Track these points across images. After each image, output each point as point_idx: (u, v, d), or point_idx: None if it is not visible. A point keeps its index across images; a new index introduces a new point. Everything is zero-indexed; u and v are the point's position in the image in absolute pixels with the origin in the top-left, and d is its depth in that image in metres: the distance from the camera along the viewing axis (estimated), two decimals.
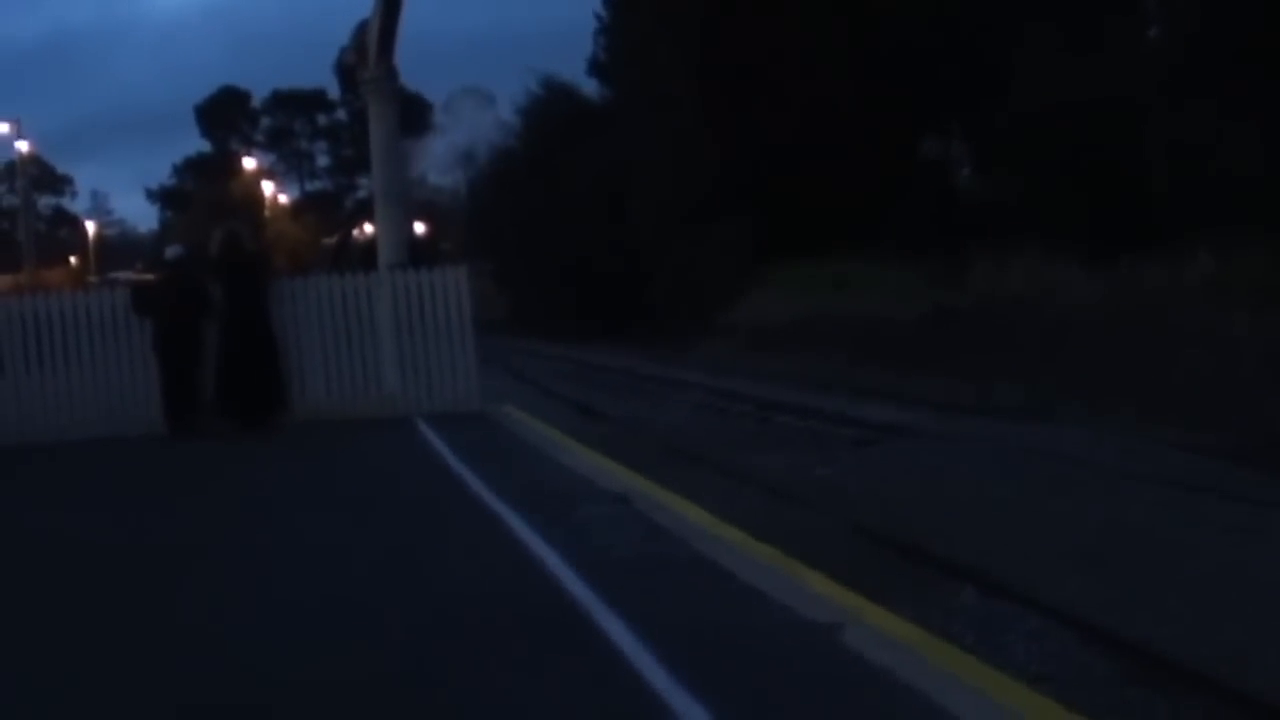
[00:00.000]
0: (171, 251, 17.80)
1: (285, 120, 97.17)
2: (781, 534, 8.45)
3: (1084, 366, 18.17)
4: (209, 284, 15.69)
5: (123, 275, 54.82)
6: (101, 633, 6.72)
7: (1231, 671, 6.92)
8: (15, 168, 73.88)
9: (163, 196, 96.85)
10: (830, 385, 21.99)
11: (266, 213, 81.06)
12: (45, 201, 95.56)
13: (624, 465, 11.32)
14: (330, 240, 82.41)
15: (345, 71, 68.98)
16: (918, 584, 9.03)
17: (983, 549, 9.81)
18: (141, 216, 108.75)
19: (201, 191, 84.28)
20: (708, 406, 21.84)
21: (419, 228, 73.10)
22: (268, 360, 15.64)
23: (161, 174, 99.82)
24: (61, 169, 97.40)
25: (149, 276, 25.12)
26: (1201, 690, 6.78)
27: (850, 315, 26.88)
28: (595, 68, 51.85)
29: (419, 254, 55.78)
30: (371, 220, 39.61)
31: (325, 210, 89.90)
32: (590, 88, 52.27)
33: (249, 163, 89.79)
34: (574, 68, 55.63)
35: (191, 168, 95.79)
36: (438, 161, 69.91)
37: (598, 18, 50.01)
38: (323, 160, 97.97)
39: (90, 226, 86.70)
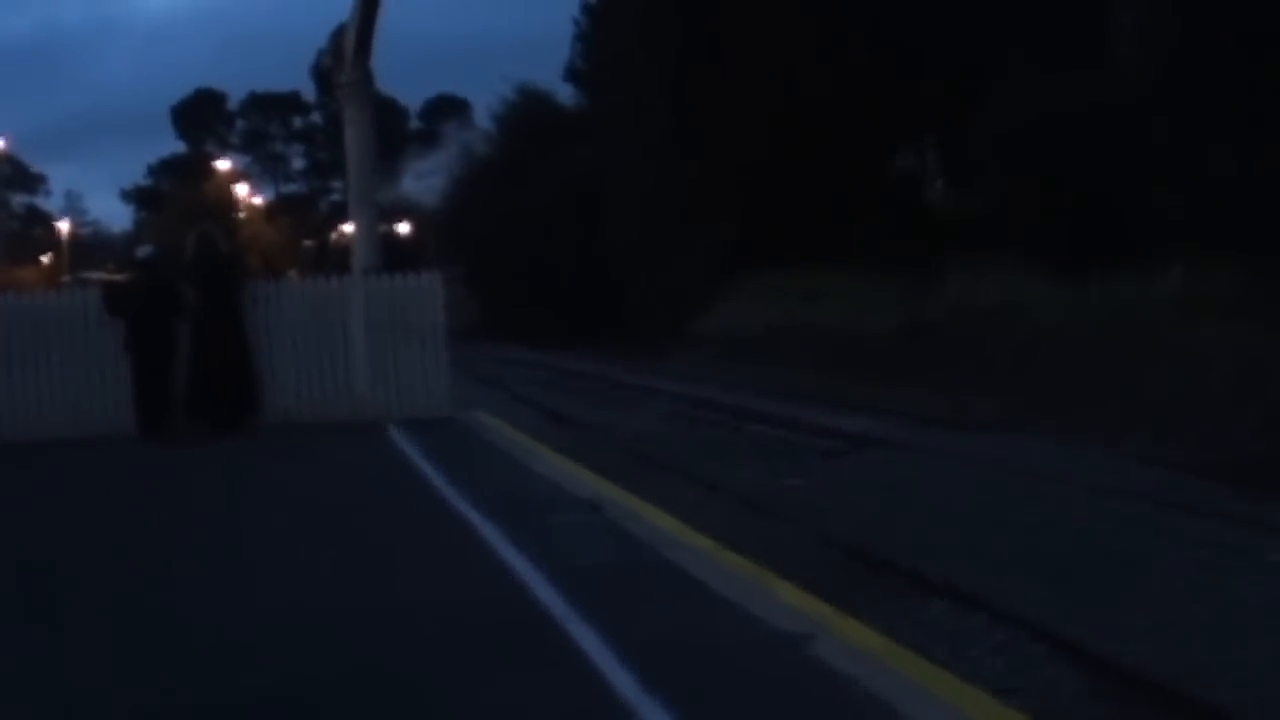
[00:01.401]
0: (143, 251, 17.76)
1: (261, 123, 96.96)
2: (752, 543, 8.46)
3: (1055, 381, 18.23)
4: (181, 285, 15.64)
5: (94, 275, 54.59)
6: (61, 635, 6.67)
7: (1199, 686, 6.94)
8: None
9: (137, 197, 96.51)
10: (803, 396, 22.00)
11: (241, 215, 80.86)
12: (19, 200, 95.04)
13: (595, 472, 11.31)
14: (310, 243, 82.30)
15: (322, 75, 68.96)
16: (887, 595, 9.03)
17: (952, 561, 9.83)
18: (115, 217, 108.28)
19: (175, 193, 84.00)
20: (679, 415, 21.84)
21: (403, 228, 73.13)
22: (240, 363, 15.60)
23: (136, 175, 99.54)
24: (36, 168, 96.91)
25: (120, 277, 25.02)
26: (1169, 705, 6.79)
27: (823, 326, 26.93)
28: (572, 75, 51.95)
29: (400, 255, 55.80)
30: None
31: (300, 213, 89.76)
32: (566, 94, 52.37)
33: (223, 164, 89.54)
34: (551, 74, 55.66)
35: (166, 169, 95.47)
36: (421, 173, 69.92)
37: (576, 25, 50.13)
38: (298, 163, 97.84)
39: (64, 226, 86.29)
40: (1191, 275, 19.08)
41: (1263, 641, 7.73)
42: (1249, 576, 9.19)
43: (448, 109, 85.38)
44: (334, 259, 55.12)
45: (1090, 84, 23.47)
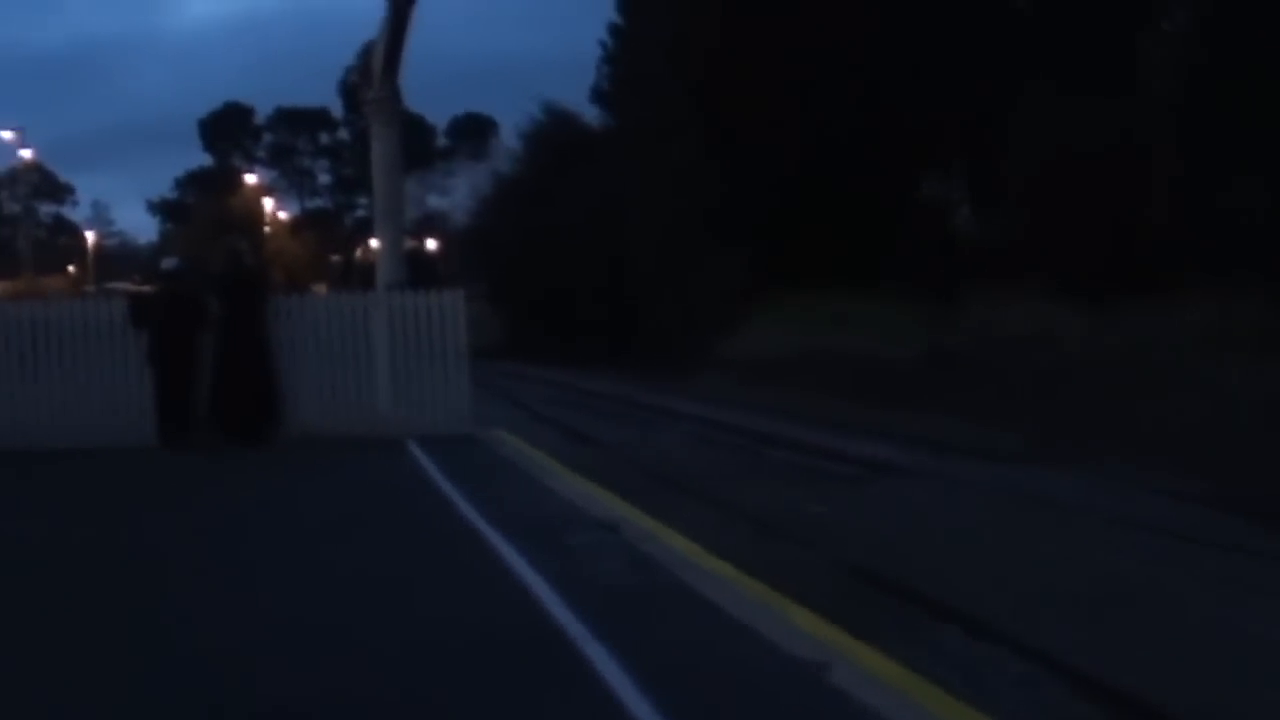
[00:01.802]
0: (168, 263, 17.82)
1: (288, 137, 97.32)
2: (770, 568, 8.40)
3: (1078, 411, 18.13)
4: (206, 297, 15.69)
5: (119, 286, 54.83)
6: (81, 645, 6.66)
7: None
8: (17, 176, 73.87)
9: (163, 209, 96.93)
10: (825, 421, 21.92)
11: (266, 229, 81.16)
12: (46, 209, 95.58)
13: (614, 493, 11.27)
14: (338, 258, 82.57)
15: (350, 91, 69.21)
16: (906, 624, 8.96)
17: (973, 591, 9.74)
18: (141, 228, 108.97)
19: (202, 205, 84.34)
20: (701, 437, 21.77)
21: (431, 244, 73.34)
22: (263, 376, 15.62)
23: (163, 187, 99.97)
24: (64, 177, 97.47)
25: (146, 288, 25.09)
26: None
27: (848, 352, 26.84)
28: (598, 95, 52.01)
29: (427, 271, 55.88)
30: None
31: (325, 228, 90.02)
32: (593, 115, 52.44)
33: (250, 178, 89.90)
34: (578, 95, 55.82)
35: (193, 181, 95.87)
36: (446, 190, 70.21)
37: (603, 46, 50.19)
38: (324, 178, 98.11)
39: (90, 236, 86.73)
40: (1220, 306, 18.97)
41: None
42: (1273, 614, 9.10)
43: (474, 128, 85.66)
44: (359, 275, 55.28)
45: (1118, 113, 23.39)
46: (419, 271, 56.83)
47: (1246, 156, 20.45)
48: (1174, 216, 21.82)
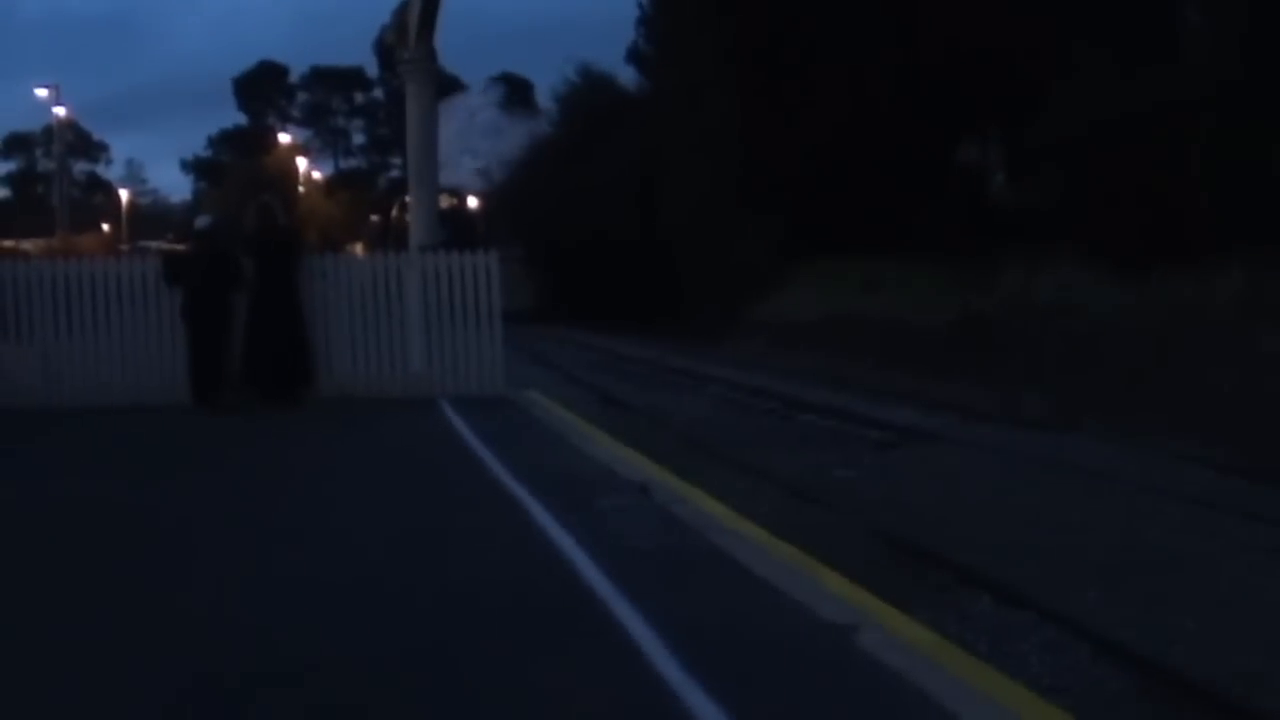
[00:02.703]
0: (201, 221, 17.90)
1: (323, 97, 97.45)
2: (800, 532, 8.46)
3: (1110, 379, 18.10)
4: (239, 256, 15.75)
5: (153, 245, 55.09)
6: (113, 602, 6.75)
7: (1244, 692, 6.90)
8: (53, 133, 74.17)
9: (197, 168, 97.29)
10: (855, 386, 21.96)
11: (300, 188, 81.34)
12: (80, 168, 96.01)
13: (645, 456, 11.33)
14: (376, 218, 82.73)
15: (385, 51, 69.19)
16: (934, 589, 9.03)
17: (1001, 558, 9.79)
18: (175, 187, 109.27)
19: (236, 164, 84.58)
20: (731, 401, 21.84)
21: (473, 201, 73.41)
22: (296, 335, 15.71)
23: (197, 146, 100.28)
24: (99, 136, 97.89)
25: (180, 247, 25.20)
26: (1214, 709, 6.76)
27: (879, 316, 26.82)
28: (634, 56, 51.90)
29: (464, 228, 55.78)
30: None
31: (359, 188, 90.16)
32: (628, 76, 52.36)
33: (284, 138, 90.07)
34: (614, 55, 55.63)
35: (227, 140, 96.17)
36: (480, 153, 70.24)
37: (639, 6, 50.05)
38: (358, 138, 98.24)
39: (124, 194, 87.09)
40: (1253, 277, 18.86)
41: None
42: None
43: (510, 89, 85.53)
44: (396, 234, 55.37)
45: (1156, 80, 23.22)
46: (459, 230, 56.98)
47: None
48: (1210, 185, 21.66)
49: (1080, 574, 9.44)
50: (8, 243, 58.87)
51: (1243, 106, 20.90)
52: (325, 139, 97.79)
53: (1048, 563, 9.78)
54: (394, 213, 77.37)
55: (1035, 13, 28.60)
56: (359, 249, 61.17)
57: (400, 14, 27.01)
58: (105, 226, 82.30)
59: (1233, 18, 21.96)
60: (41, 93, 67.90)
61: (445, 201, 70.90)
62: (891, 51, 31.37)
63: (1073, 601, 8.60)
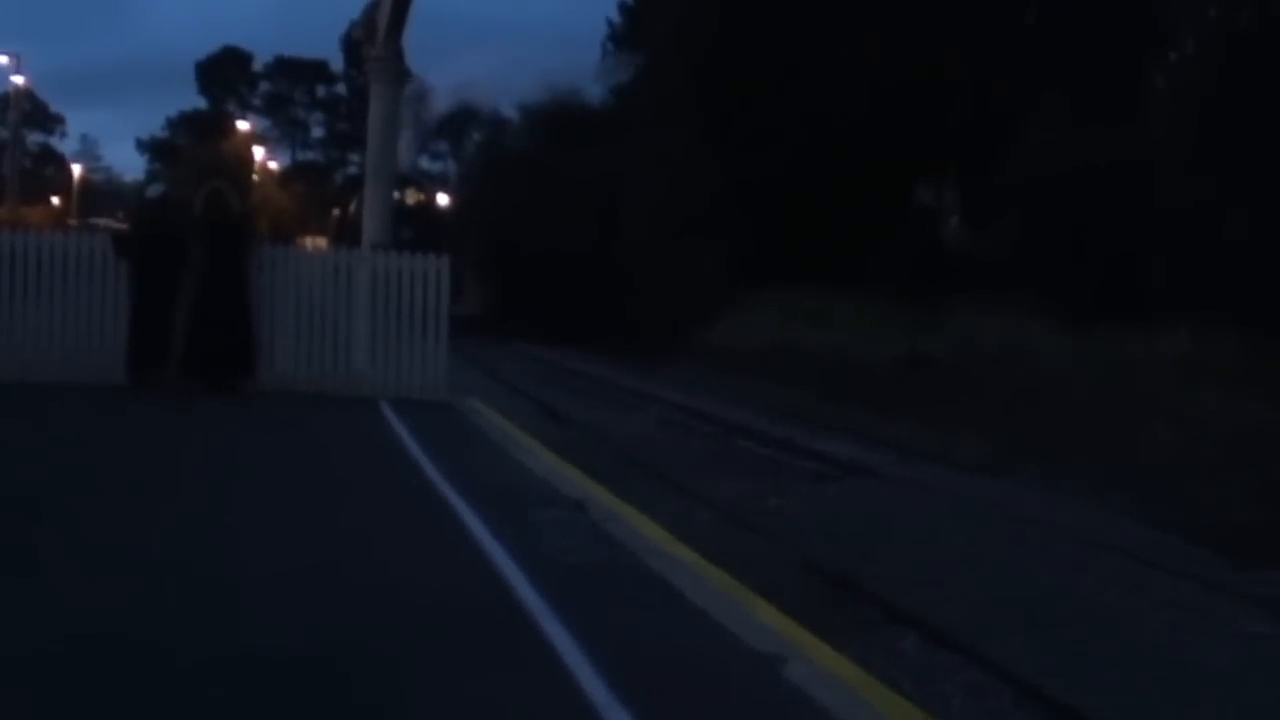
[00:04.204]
0: (153, 190, 17.72)
1: (285, 87, 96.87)
2: (733, 559, 8.43)
3: (1051, 428, 18.20)
4: (188, 238, 15.56)
5: (103, 222, 54.58)
6: (19, 586, 6.63)
7: None
8: (9, 101, 73.34)
9: (152, 148, 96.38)
10: (799, 417, 21.98)
11: (255, 177, 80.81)
12: (34, 139, 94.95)
13: (583, 472, 11.29)
14: (338, 211, 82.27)
15: (352, 47, 68.90)
16: (862, 624, 9.02)
17: (930, 597, 9.81)
18: (129, 166, 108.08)
19: (192, 147, 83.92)
20: (674, 423, 21.82)
21: (442, 199, 73.03)
22: (241, 324, 15.56)
23: (154, 126, 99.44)
24: (55, 108, 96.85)
25: (129, 226, 24.93)
26: None
27: (826, 349, 26.91)
28: (602, 74, 51.95)
29: (428, 226, 55.38)
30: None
31: (314, 182, 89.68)
32: (595, 92, 52.39)
33: (243, 125, 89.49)
34: (583, 70, 55.69)
35: (185, 123, 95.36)
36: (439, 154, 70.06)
37: (610, 24, 50.14)
38: (317, 132, 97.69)
39: (76, 169, 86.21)
40: (1198, 338, 19.08)
41: (1224, 710, 7.74)
42: (1221, 644, 9.18)
43: (475, 93, 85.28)
44: (350, 231, 55.09)
45: (1116, 138, 23.47)
46: (424, 228, 56.69)
47: (1239, 191, 20.54)
48: (1164, 247, 21.90)
49: (1008, 619, 9.47)
50: None
51: (1199, 172, 21.16)
52: (284, 130, 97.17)
53: (977, 605, 9.80)
54: (351, 208, 77.02)
55: (1001, 62, 28.89)
56: (312, 242, 60.77)
57: (370, 11, 26.86)
58: (56, 200, 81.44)
59: (1196, 86, 22.23)
60: (1, 59, 67.17)
61: (412, 198, 70.67)
62: (855, 88, 31.57)
63: (999, 646, 8.62)
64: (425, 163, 74.54)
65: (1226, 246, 20.19)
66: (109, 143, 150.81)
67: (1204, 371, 18.03)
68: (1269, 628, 9.72)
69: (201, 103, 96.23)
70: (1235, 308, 19.25)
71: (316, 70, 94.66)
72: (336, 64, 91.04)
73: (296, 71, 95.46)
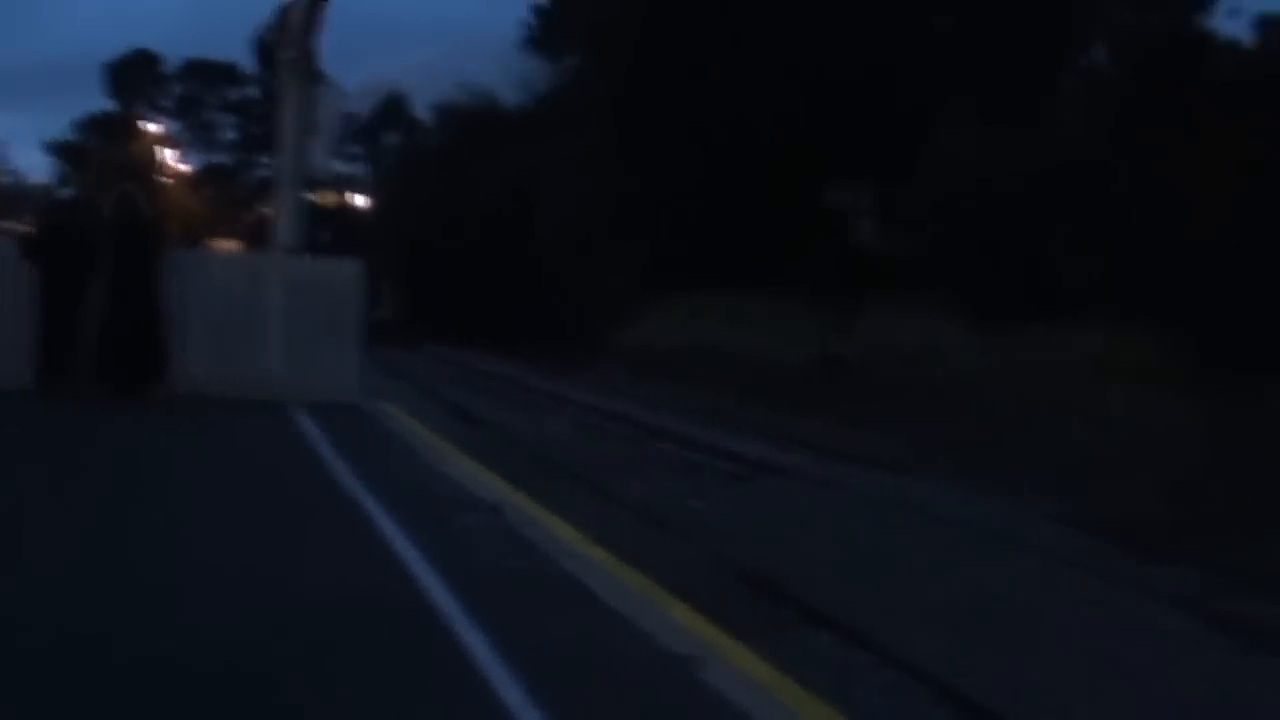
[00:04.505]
0: (63, 192, 17.45)
1: (195, 90, 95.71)
2: (648, 561, 8.42)
3: (964, 427, 18.39)
4: (98, 242, 15.33)
5: (10, 225, 53.65)
6: None
7: None
8: None
9: (60, 151, 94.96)
10: (713, 417, 22.06)
11: (165, 180, 79.85)
12: None
13: (498, 475, 11.24)
14: (253, 215, 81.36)
15: (263, 48, 68.34)
16: (778, 624, 9.05)
17: (845, 597, 9.86)
18: (36, 169, 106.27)
19: (100, 150, 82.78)
20: (589, 425, 21.82)
21: (360, 200, 72.41)
22: (151, 329, 15.34)
23: (61, 129, 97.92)
24: None
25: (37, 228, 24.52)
26: None
27: (740, 351, 27.03)
28: (518, 76, 51.78)
29: (346, 229, 54.84)
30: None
31: (225, 185, 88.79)
32: (511, 95, 52.23)
33: (152, 128, 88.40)
34: (499, 72, 55.48)
35: (93, 125, 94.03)
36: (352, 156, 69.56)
37: (527, 27, 50.02)
38: (228, 134, 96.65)
39: None
40: (1110, 338, 19.35)
41: (1134, 703, 7.84)
42: (1130, 639, 9.30)
43: (388, 95, 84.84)
44: (261, 233, 54.50)
45: (1029, 141, 23.73)
46: (338, 230, 56.22)
47: (1146, 196, 20.84)
48: (1076, 250, 22.17)
49: (922, 617, 9.54)
50: None
51: (1108, 179, 21.45)
52: (195, 132, 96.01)
53: (891, 604, 9.87)
54: (266, 211, 76.26)
55: (914, 63, 29.14)
56: (223, 246, 60.09)
57: (283, 13, 26.63)
58: None
59: (1108, 96, 22.54)
60: None
61: (328, 201, 70.02)
62: (770, 91, 31.71)
63: (913, 644, 8.68)
64: (340, 165, 73.97)
65: (1139, 246, 20.48)
66: (15, 145, 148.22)
67: (1116, 370, 18.30)
68: (1177, 623, 9.87)
69: (110, 105, 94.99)
70: (1147, 307, 19.54)
71: (227, 72, 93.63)
72: (247, 66, 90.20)
73: (207, 74, 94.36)
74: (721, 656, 5.97)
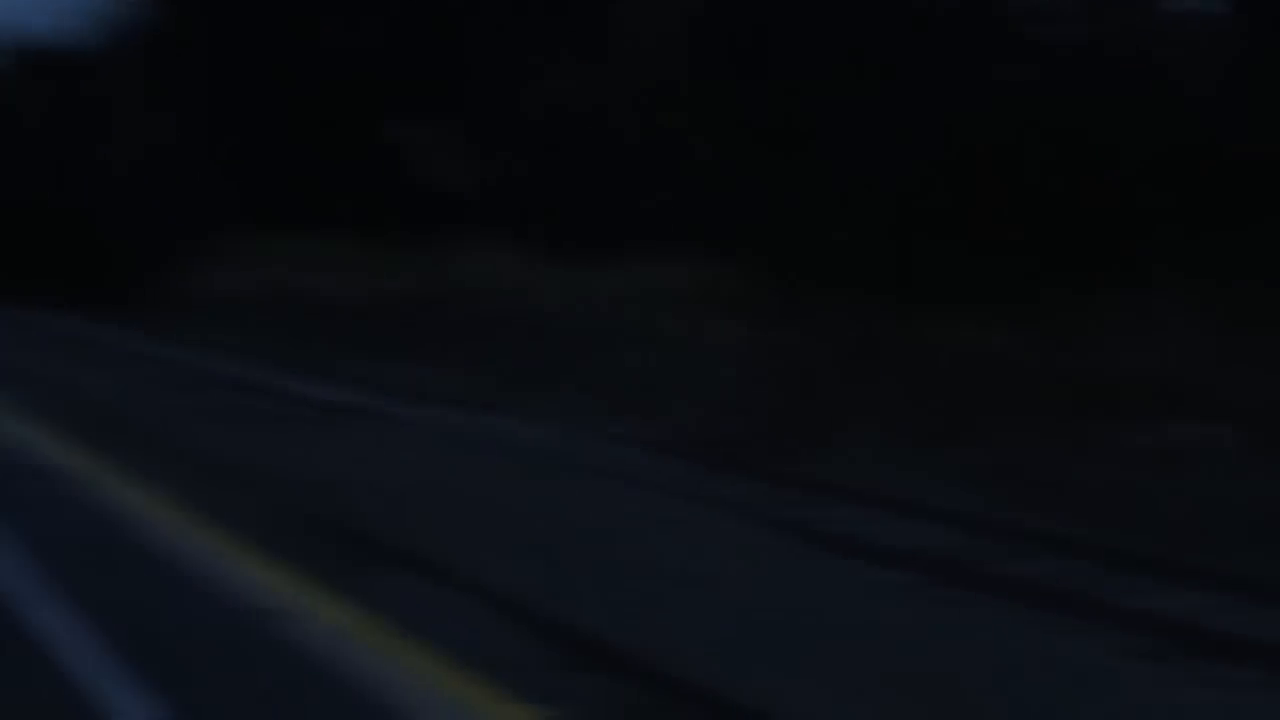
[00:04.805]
0: None
1: None
2: (221, 515, 8.16)
3: (541, 361, 18.63)
4: None
5: None
6: None
7: (659, 655, 7.18)
8: None
9: None
10: (281, 361, 21.62)
11: None
12: None
13: (55, 437, 10.66)
14: None
15: None
16: (360, 569, 8.91)
17: (426, 535, 9.82)
18: None
19: None
20: (153, 378, 21.00)
21: None
22: None
23: None
24: None
25: None
26: (633, 672, 7.00)
27: (306, 293, 26.62)
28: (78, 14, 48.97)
29: None
30: None
31: None
32: (70, 32, 49.28)
33: None
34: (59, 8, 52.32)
35: None
36: None
37: None
38: None
39: None
40: (693, 271, 19.90)
41: (696, 609, 8.14)
42: (697, 551, 9.64)
43: None
44: None
45: (593, 77, 24.04)
46: None
47: (709, 127, 21.31)
48: (651, 182, 22.51)
49: (505, 548, 9.60)
50: None
51: (674, 107, 21.87)
52: None
53: (473, 539, 9.89)
54: None
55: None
56: None
57: None
58: None
59: (668, 27, 22.88)
60: None
61: None
62: (323, 29, 31.20)
63: (498, 576, 8.70)
64: None
65: (700, 179, 21.04)
66: None
67: (694, 300, 18.88)
68: (738, 527, 10.34)
69: None
70: (724, 238, 20.10)
71: None
72: None
73: None
74: (302, 606, 5.85)
